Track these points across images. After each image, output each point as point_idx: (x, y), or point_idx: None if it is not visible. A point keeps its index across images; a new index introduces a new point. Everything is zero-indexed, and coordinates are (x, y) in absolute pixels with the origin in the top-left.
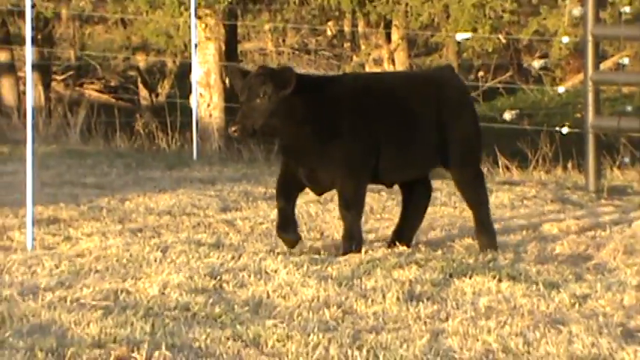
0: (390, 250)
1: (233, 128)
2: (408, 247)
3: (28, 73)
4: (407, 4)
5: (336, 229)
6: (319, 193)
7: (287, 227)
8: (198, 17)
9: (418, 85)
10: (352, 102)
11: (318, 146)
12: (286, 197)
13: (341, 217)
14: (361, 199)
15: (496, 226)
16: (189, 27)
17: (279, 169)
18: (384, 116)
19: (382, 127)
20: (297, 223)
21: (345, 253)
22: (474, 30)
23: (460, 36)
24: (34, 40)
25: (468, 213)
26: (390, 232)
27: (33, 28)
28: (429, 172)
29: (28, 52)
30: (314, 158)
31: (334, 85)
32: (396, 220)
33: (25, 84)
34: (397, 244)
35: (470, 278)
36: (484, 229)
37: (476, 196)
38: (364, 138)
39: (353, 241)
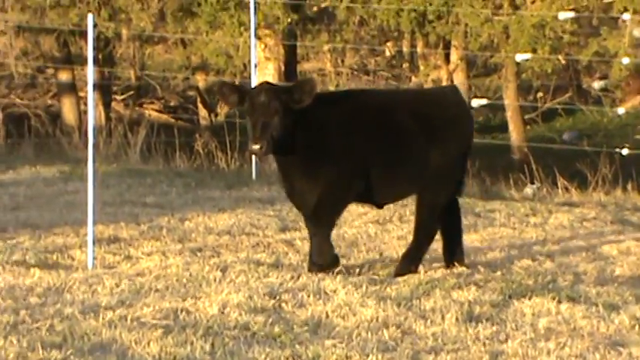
0: (448, 270)
1: (257, 146)
2: (463, 263)
3: (90, 93)
4: (466, 25)
5: (395, 249)
6: (307, 214)
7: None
8: (258, 37)
9: (417, 105)
10: (342, 121)
11: (308, 165)
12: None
13: (309, 232)
14: (333, 218)
15: (555, 247)
16: (249, 47)
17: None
18: (375, 136)
19: (373, 147)
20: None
21: (313, 268)
22: (534, 51)
23: (520, 57)
24: (95, 60)
25: (528, 234)
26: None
27: (94, 49)
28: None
29: (90, 73)
30: (302, 176)
31: (327, 103)
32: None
33: (85, 104)
34: (454, 264)
35: (529, 299)
36: (413, 256)
37: (429, 225)
38: (353, 158)
39: (321, 256)
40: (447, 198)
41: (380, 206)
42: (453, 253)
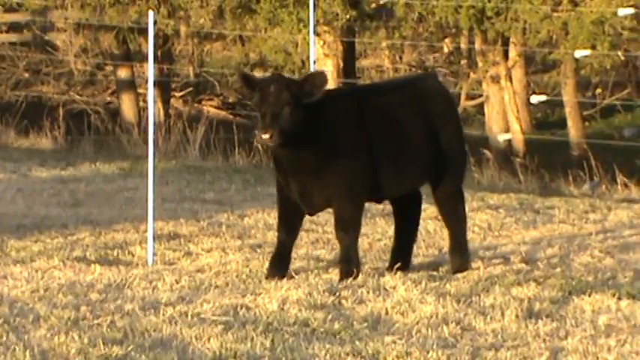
0: (508, 267)
1: (267, 135)
2: (407, 267)
3: (150, 90)
4: (525, 22)
5: None
6: (314, 212)
7: (280, 263)
8: (317, 34)
9: (403, 96)
10: (349, 117)
11: (317, 162)
12: (288, 229)
13: (337, 239)
14: (358, 221)
15: (614, 243)
16: (308, 44)
17: (277, 198)
18: (377, 132)
19: (378, 143)
20: (290, 260)
21: (342, 278)
22: (593, 47)
23: (579, 53)
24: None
25: (587, 231)
26: (507, 249)
27: (154, 46)
28: (420, 186)
29: (150, 69)
30: (311, 174)
31: (333, 99)
32: (512, 237)
33: (144, 100)
34: (398, 263)
35: (589, 296)
36: (459, 249)
37: (458, 211)
38: (362, 155)
39: (351, 264)
40: (458, 185)
41: (380, 201)
42: (401, 255)
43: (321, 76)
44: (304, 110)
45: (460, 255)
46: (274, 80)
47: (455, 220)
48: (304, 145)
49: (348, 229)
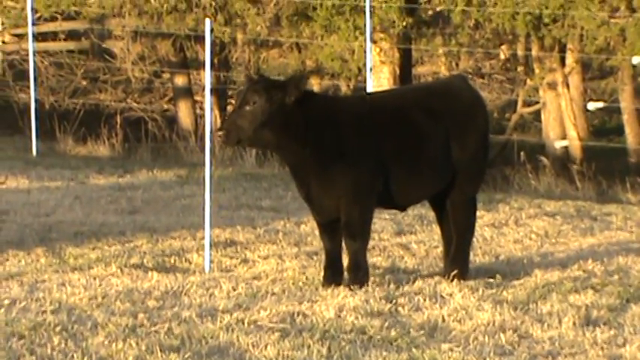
0: (565, 274)
1: (219, 133)
2: (453, 269)
3: (207, 97)
4: (582, 28)
5: (511, 252)
6: (324, 220)
7: (333, 271)
8: (374, 41)
9: (428, 99)
10: (358, 122)
11: (321, 167)
12: (329, 236)
13: (345, 246)
14: (367, 227)
15: None
16: (365, 51)
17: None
18: (393, 136)
19: (390, 148)
20: (342, 266)
21: (352, 285)
22: None
23: (636, 59)
24: (211, 65)
25: None
26: (564, 255)
27: (211, 53)
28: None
29: (207, 77)
30: (316, 180)
31: (340, 104)
32: (569, 244)
33: (202, 108)
34: (455, 270)
35: None
36: (460, 258)
37: (467, 220)
38: (368, 160)
39: (360, 271)
40: (475, 192)
41: (404, 209)
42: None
43: (299, 77)
44: (277, 112)
45: (460, 263)
46: (251, 80)
47: (464, 228)
48: (305, 150)
49: (356, 235)
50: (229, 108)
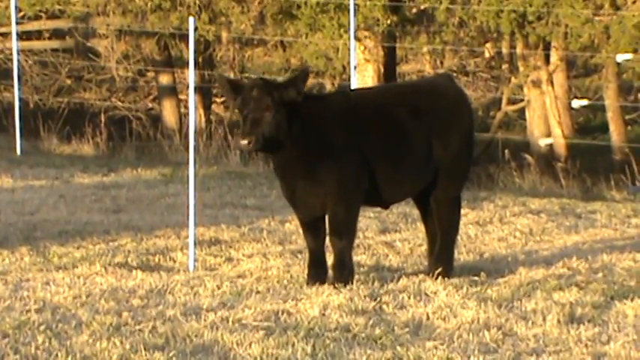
0: (549, 271)
1: (245, 141)
2: (438, 267)
3: (191, 96)
4: (566, 26)
5: (495, 250)
6: (308, 218)
7: (317, 269)
8: (358, 39)
9: (412, 97)
10: (342, 119)
11: (308, 166)
12: (312, 234)
13: (331, 244)
14: (353, 225)
15: None
16: (349, 49)
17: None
18: (377, 134)
19: (375, 145)
20: (326, 264)
21: (337, 283)
22: (635, 51)
23: (620, 57)
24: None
25: (630, 235)
26: (548, 253)
27: (195, 52)
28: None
29: (191, 75)
30: (303, 178)
31: (325, 101)
32: (554, 241)
33: (186, 106)
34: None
35: (632, 301)
36: (445, 256)
37: (451, 218)
38: (354, 158)
39: (345, 270)
40: (460, 190)
41: (387, 207)
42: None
43: (302, 75)
44: (287, 114)
45: (444, 261)
46: (256, 84)
47: (449, 225)
48: (293, 149)
49: (342, 233)
50: (213, 107)
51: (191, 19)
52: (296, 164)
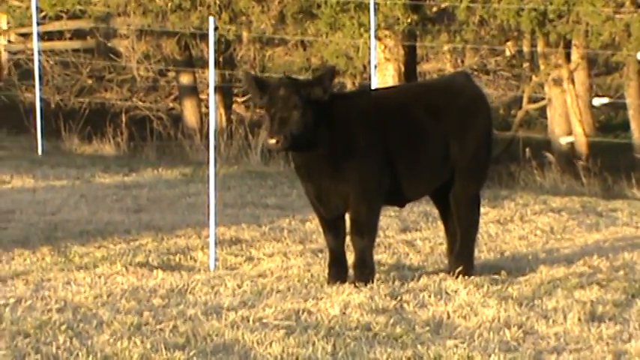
0: (570, 270)
1: (274, 140)
2: (458, 266)
3: (211, 96)
4: (587, 24)
5: (516, 248)
6: (331, 217)
7: (338, 269)
8: (378, 38)
9: (430, 96)
10: (366, 119)
11: (332, 164)
12: (332, 233)
13: (352, 243)
14: (375, 224)
15: None
16: (369, 48)
17: (311, 204)
18: (396, 133)
19: (394, 144)
20: (347, 263)
21: (357, 282)
22: None
23: None
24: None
25: None
26: (569, 251)
27: (215, 51)
28: (438, 186)
29: (211, 75)
30: (327, 177)
31: (350, 100)
32: (575, 240)
33: (207, 106)
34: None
35: None
36: (465, 254)
37: (470, 216)
38: (376, 157)
39: (366, 269)
40: (479, 188)
41: (402, 205)
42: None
43: (329, 73)
44: (314, 113)
45: (465, 260)
46: (283, 83)
47: (468, 224)
48: (317, 147)
49: (364, 232)
50: (235, 106)
51: (211, 19)
52: (321, 163)
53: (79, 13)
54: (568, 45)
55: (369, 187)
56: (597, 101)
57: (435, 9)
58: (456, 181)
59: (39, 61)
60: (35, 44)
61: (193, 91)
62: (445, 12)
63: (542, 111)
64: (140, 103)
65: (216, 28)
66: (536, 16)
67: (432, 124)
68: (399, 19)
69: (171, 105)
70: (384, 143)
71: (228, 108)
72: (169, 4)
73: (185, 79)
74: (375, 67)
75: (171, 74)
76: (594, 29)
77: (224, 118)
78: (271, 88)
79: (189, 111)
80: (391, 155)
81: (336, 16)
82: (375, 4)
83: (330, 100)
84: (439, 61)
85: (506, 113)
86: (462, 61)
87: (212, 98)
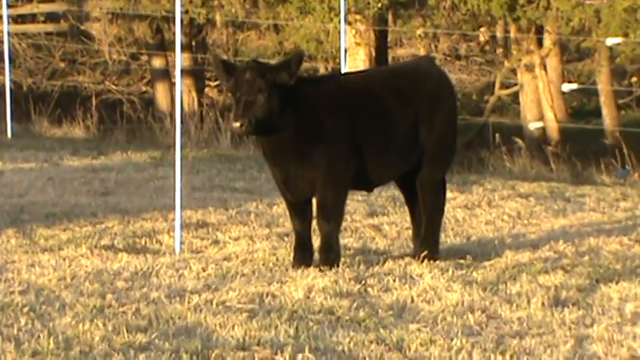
0: (535, 255)
1: (237, 123)
2: (423, 250)
3: (178, 79)
4: (557, 9)
5: (482, 233)
6: (298, 201)
7: (303, 253)
8: (349, 23)
9: (397, 81)
10: (333, 103)
11: (299, 149)
12: (299, 217)
13: (318, 227)
14: (341, 209)
15: None
16: (340, 32)
17: (278, 187)
18: (364, 117)
19: (362, 129)
20: (312, 248)
21: (322, 266)
22: (625, 35)
23: (610, 41)
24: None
25: (618, 219)
26: (535, 237)
27: (186, 34)
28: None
29: (178, 58)
30: (293, 161)
31: (317, 85)
32: (541, 225)
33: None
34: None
35: (616, 284)
36: (431, 239)
37: (436, 201)
38: (345, 141)
39: (331, 253)
40: (444, 172)
41: (370, 190)
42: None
43: (296, 58)
44: (280, 97)
45: (430, 244)
46: (249, 67)
47: (433, 209)
48: (283, 131)
49: (330, 216)
50: (207, 90)
51: (177, 1)
52: (287, 147)
53: None
54: (540, 31)
55: (335, 172)
56: (567, 87)
57: None
58: (422, 165)
59: (9, 43)
60: (5, 26)
61: (165, 74)
62: None
63: (515, 97)
64: (113, 86)
65: (186, 12)
66: (507, 2)
67: (400, 108)
68: (369, 3)
69: (144, 89)
70: (351, 128)
71: (200, 92)
72: None
73: (157, 62)
74: (346, 51)
75: (144, 58)
76: (564, 15)
77: (196, 102)
78: (237, 71)
79: (161, 94)
80: (359, 140)
81: (306, 0)
82: None
83: (297, 84)
84: (413, 47)
85: (479, 99)
86: (436, 47)
87: (179, 81)
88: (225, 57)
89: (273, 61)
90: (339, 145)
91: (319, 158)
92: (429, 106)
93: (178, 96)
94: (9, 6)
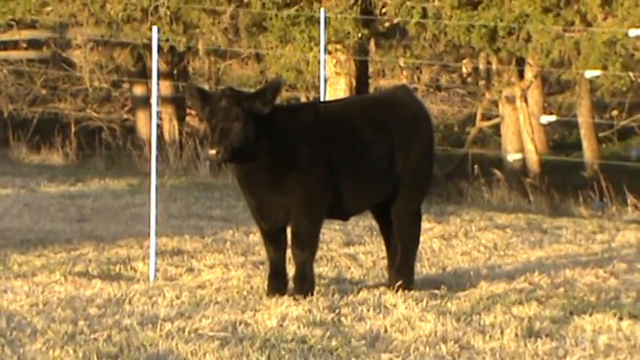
0: (510, 286)
1: (213, 151)
2: (398, 280)
3: (154, 106)
4: (538, 41)
5: (458, 264)
6: (272, 229)
7: (277, 281)
8: (329, 52)
9: (374, 110)
10: (309, 132)
11: (274, 177)
12: (274, 246)
13: (293, 256)
14: (316, 237)
15: (621, 264)
16: (319, 62)
17: (252, 215)
18: (340, 146)
19: (338, 157)
20: (287, 276)
21: (297, 295)
22: (604, 68)
23: (589, 73)
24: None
25: (594, 251)
26: (511, 268)
27: (168, 63)
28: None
29: (154, 85)
30: (268, 189)
31: (293, 114)
32: (517, 256)
33: (160, 117)
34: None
35: (590, 316)
36: (405, 268)
37: (411, 231)
38: (320, 170)
39: (306, 282)
40: (420, 202)
41: (346, 219)
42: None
43: (272, 86)
44: (256, 125)
45: (405, 274)
46: (225, 95)
47: (408, 238)
48: (258, 159)
49: (305, 245)
50: (188, 119)
51: (154, 28)
52: (262, 175)
53: (32, 23)
54: (521, 63)
55: (310, 200)
56: (545, 119)
57: (387, 24)
58: (398, 195)
59: None
60: None
61: (146, 102)
62: (397, 27)
63: (497, 129)
64: (94, 113)
65: (166, 40)
66: (487, 33)
67: (376, 137)
68: (349, 33)
69: (125, 116)
70: (326, 156)
71: (181, 120)
72: (120, 14)
73: (139, 90)
74: (326, 81)
75: (126, 86)
76: (544, 47)
77: (176, 130)
78: (213, 99)
79: (141, 122)
80: (334, 168)
81: (287, 29)
82: (326, 18)
83: (273, 112)
84: (395, 77)
85: (461, 130)
86: (418, 78)
87: (155, 108)
88: (206, 86)
89: (252, 90)
90: (315, 173)
91: (294, 186)
92: (404, 136)
93: (154, 123)
94: None
